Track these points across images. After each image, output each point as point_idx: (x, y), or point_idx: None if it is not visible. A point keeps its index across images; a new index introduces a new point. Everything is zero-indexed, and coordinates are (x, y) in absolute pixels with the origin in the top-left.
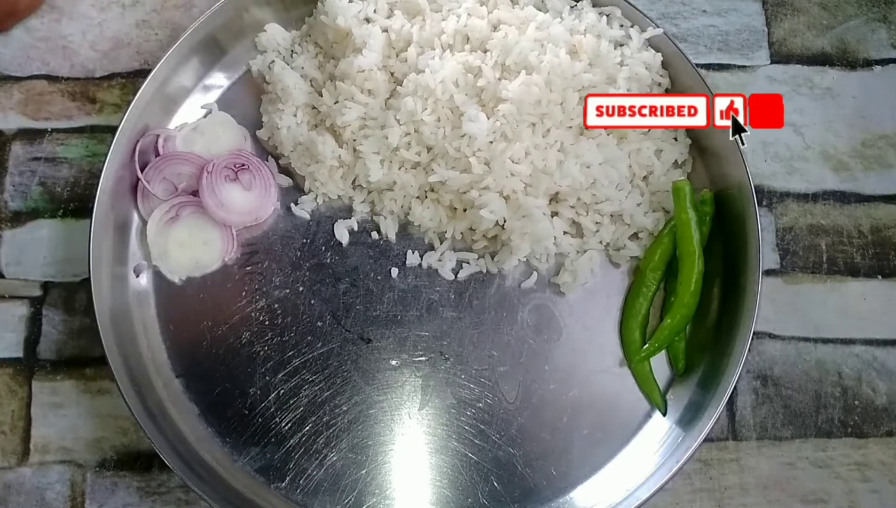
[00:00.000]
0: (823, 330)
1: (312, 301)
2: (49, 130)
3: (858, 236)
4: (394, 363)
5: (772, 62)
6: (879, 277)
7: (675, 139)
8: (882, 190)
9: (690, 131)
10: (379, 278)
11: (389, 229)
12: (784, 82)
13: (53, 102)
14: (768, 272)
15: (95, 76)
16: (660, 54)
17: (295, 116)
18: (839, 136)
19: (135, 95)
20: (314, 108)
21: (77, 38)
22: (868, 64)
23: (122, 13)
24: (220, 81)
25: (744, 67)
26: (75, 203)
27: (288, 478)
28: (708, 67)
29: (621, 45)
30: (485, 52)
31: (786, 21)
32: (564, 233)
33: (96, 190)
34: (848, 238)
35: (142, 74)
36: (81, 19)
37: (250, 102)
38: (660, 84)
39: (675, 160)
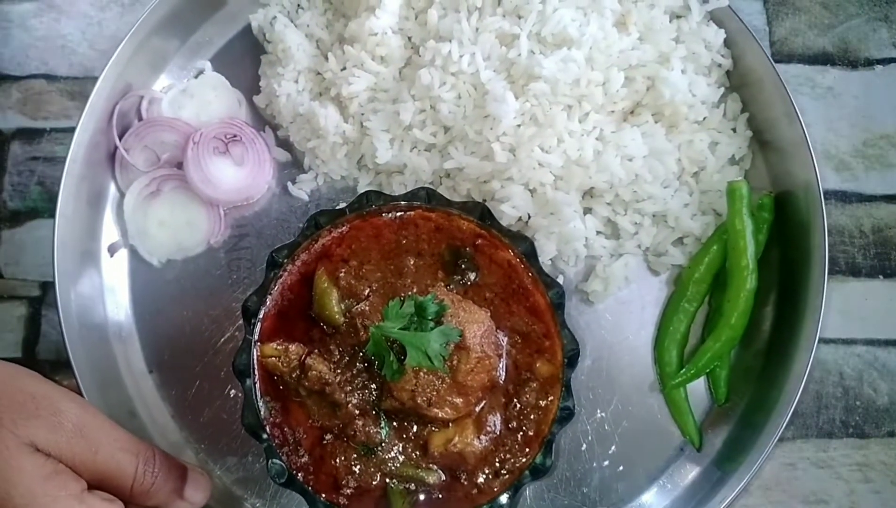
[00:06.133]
0: (825, 330)
1: None
2: (48, 129)
3: (860, 236)
4: None
5: (773, 61)
6: (881, 277)
7: (734, 130)
8: (883, 190)
9: (752, 122)
10: None
11: None
12: (785, 81)
13: (52, 101)
14: None
15: (94, 75)
16: (723, 31)
17: (296, 82)
18: (840, 135)
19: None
20: (318, 73)
21: (76, 37)
22: (869, 63)
23: (121, 12)
24: (214, 36)
25: None
26: None
27: (268, 495)
28: None
29: (678, 17)
30: (518, 18)
31: (787, 20)
32: (598, 234)
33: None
34: (849, 238)
35: None
36: (80, 18)
37: (248, 63)
38: (720, 65)
39: (733, 155)
